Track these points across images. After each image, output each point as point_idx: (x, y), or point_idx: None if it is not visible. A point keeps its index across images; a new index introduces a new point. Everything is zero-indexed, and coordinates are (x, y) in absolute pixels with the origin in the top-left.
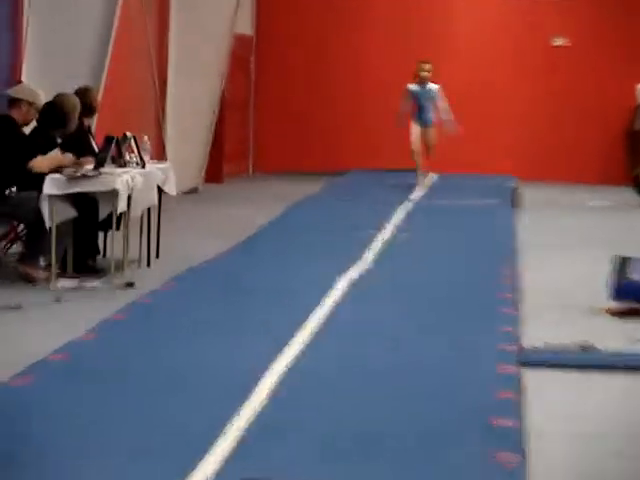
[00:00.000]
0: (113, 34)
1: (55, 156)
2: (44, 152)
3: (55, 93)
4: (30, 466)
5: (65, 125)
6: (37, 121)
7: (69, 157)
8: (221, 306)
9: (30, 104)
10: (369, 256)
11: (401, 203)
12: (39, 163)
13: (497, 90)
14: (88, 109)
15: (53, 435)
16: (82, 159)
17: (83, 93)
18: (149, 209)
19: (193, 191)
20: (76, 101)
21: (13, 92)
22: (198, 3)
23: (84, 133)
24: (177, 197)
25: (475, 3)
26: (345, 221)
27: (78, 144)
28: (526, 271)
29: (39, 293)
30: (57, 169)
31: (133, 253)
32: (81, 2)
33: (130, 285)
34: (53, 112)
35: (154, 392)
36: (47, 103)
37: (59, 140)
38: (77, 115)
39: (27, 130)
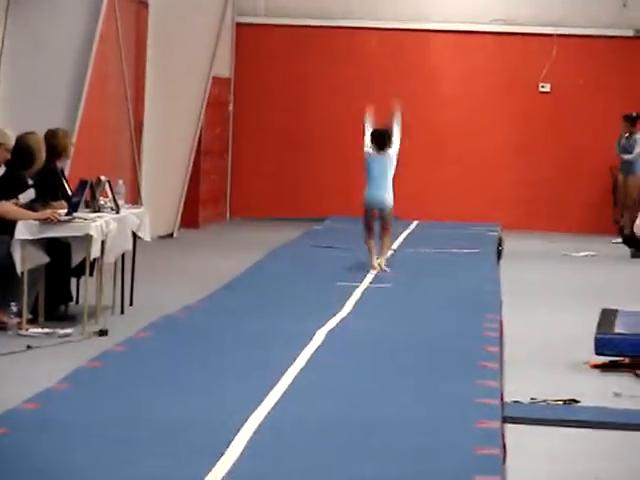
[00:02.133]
0: (88, 76)
1: (29, 213)
2: (15, 194)
3: None
4: None
5: (32, 164)
6: (6, 163)
7: (41, 214)
8: (196, 356)
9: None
10: (348, 307)
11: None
12: (9, 210)
13: (481, 137)
14: (57, 151)
15: None
16: (55, 203)
17: (51, 135)
18: (123, 255)
19: (168, 236)
20: (40, 139)
21: None
22: (176, 44)
23: (56, 175)
24: (152, 242)
25: (460, 52)
26: (323, 270)
27: (49, 187)
28: (509, 323)
29: (10, 340)
30: None
31: (106, 300)
32: (57, 43)
33: (104, 333)
34: (18, 151)
35: (128, 445)
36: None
37: (30, 182)
38: (43, 154)
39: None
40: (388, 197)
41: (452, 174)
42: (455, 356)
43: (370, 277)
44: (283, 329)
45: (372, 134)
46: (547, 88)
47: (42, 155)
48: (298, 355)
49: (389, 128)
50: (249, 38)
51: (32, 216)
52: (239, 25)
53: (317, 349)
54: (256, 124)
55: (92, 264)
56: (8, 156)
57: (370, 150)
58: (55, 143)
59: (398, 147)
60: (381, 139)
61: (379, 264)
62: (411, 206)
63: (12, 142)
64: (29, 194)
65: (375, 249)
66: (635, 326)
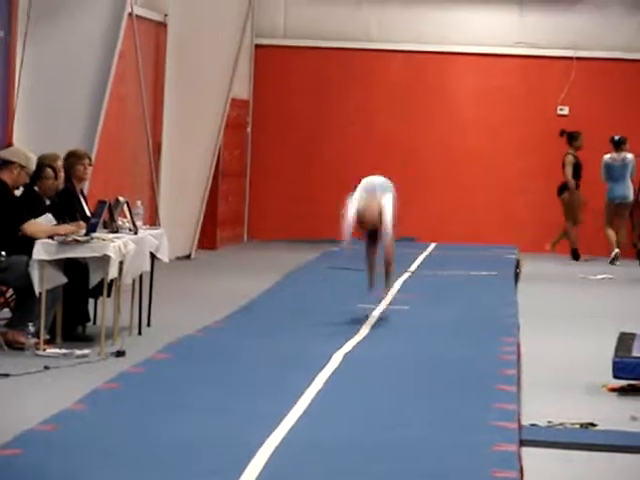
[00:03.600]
0: (107, 97)
1: (54, 227)
2: (34, 215)
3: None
4: None
5: (50, 185)
6: (25, 184)
7: (66, 228)
8: (213, 377)
9: (22, 167)
10: (365, 329)
11: (399, 274)
12: (33, 229)
13: (499, 159)
14: (75, 173)
15: None
16: (73, 223)
17: (69, 156)
18: (141, 276)
19: (186, 257)
20: (59, 160)
21: (6, 154)
22: (194, 66)
23: (74, 197)
24: (169, 263)
25: (480, 75)
26: (340, 292)
27: (67, 208)
28: (527, 345)
29: (27, 360)
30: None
31: (124, 321)
32: (75, 63)
33: (121, 354)
34: (37, 172)
35: (145, 466)
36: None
37: (47, 202)
38: (62, 175)
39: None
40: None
41: (470, 196)
42: (472, 379)
43: (388, 299)
44: (300, 351)
45: (360, 221)
46: (565, 111)
47: (61, 176)
48: (315, 377)
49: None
50: (268, 60)
51: (59, 230)
52: (258, 47)
53: (334, 371)
54: (274, 146)
55: (110, 285)
56: (27, 180)
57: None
58: (73, 164)
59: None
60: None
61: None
62: (429, 228)
63: (34, 166)
64: (47, 218)
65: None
66: None
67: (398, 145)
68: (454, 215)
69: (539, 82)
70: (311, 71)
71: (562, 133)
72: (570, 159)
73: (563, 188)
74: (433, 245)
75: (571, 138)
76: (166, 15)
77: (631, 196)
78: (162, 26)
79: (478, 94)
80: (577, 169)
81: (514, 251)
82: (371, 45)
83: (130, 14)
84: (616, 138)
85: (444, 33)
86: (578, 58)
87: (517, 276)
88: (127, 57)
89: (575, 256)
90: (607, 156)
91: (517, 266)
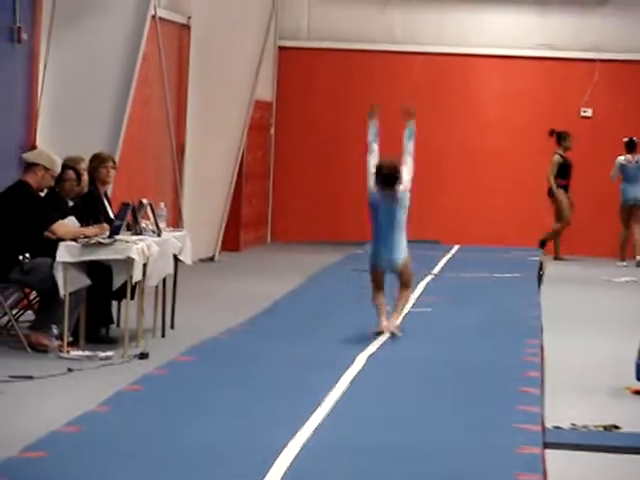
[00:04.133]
0: (130, 99)
1: (81, 229)
2: (57, 217)
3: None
4: None
5: (75, 188)
6: (49, 187)
7: (90, 230)
8: (237, 380)
9: (46, 170)
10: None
11: (422, 276)
12: (63, 230)
13: (522, 161)
14: (99, 176)
15: None
16: (96, 225)
17: (93, 159)
18: (164, 278)
19: (209, 260)
20: (83, 163)
21: (31, 156)
22: (218, 68)
23: (98, 200)
24: (193, 266)
25: (503, 77)
26: (364, 294)
27: (91, 211)
28: (550, 348)
29: (51, 363)
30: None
31: (147, 323)
32: (98, 66)
33: (144, 356)
34: (61, 175)
35: (168, 468)
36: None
37: (70, 203)
38: (86, 178)
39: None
40: (398, 255)
41: (493, 198)
42: (496, 381)
43: (411, 301)
44: (324, 353)
45: (378, 170)
46: (589, 113)
47: (84, 179)
48: (339, 379)
49: (397, 162)
50: (291, 62)
51: (86, 232)
52: (281, 48)
53: (358, 373)
54: (297, 148)
55: (133, 287)
56: (52, 183)
57: (375, 191)
58: (96, 167)
59: (410, 180)
60: (389, 178)
61: (392, 325)
62: (452, 230)
63: (59, 169)
64: (71, 221)
65: (387, 307)
66: None
67: (421, 147)
68: (477, 217)
69: (562, 84)
70: (334, 73)
71: (551, 133)
72: (557, 159)
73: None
74: (456, 247)
75: (560, 138)
76: (189, 17)
77: None
78: (185, 28)
79: (500, 96)
80: (566, 169)
81: (538, 253)
82: (394, 47)
83: (153, 16)
84: (628, 140)
85: (466, 35)
86: (601, 60)
87: (540, 278)
88: (150, 60)
89: (541, 245)
90: (621, 157)
91: (540, 268)
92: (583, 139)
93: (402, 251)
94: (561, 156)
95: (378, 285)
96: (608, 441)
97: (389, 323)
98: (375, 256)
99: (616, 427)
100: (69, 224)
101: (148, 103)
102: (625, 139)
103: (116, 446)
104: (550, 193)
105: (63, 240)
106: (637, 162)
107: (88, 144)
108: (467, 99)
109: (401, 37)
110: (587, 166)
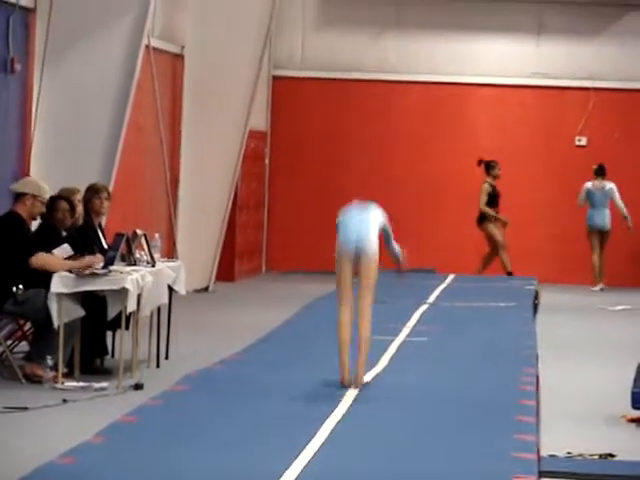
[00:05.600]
0: (124, 128)
1: (68, 262)
2: (50, 248)
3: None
4: None
5: (68, 219)
6: (42, 216)
7: (82, 261)
8: (232, 409)
9: (35, 197)
10: (384, 361)
11: (418, 305)
12: (43, 262)
13: (517, 190)
14: (93, 207)
15: None
16: (90, 257)
17: (88, 190)
18: (159, 308)
19: (204, 290)
20: (77, 194)
21: (19, 187)
22: (212, 97)
23: (92, 231)
24: (187, 296)
25: (498, 105)
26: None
27: (86, 242)
28: (546, 376)
29: (45, 393)
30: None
31: (142, 353)
32: (92, 95)
33: (139, 387)
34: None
35: None
36: (51, 197)
37: (64, 234)
38: (80, 209)
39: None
40: (368, 245)
41: None
42: (491, 410)
43: (407, 330)
44: (318, 383)
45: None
46: (583, 142)
47: (79, 210)
48: (334, 408)
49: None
50: (285, 91)
51: (72, 265)
52: (275, 78)
53: (353, 402)
54: (292, 178)
55: (128, 318)
56: (43, 209)
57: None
58: (90, 199)
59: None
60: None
61: (358, 382)
62: (447, 260)
63: (47, 195)
64: (64, 249)
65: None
66: None
67: (416, 176)
68: (472, 246)
69: (557, 113)
70: (329, 102)
71: (480, 162)
72: (486, 187)
73: (482, 218)
74: (452, 276)
75: (488, 167)
76: (183, 47)
77: (609, 224)
78: (179, 58)
79: (495, 125)
80: (494, 198)
81: (533, 282)
82: (388, 76)
83: (147, 46)
84: (597, 166)
85: (461, 64)
86: (595, 89)
87: (536, 307)
88: (144, 90)
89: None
90: (589, 183)
91: (536, 297)
92: (578, 168)
93: (373, 243)
94: (490, 185)
95: (344, 290)
96: (604, 470)
97: (355, 381)
98: (343, 243)
99: (612, 455)
100: (54, 255)
101: (142, 132)
102: (594, 166)
103: (111, 477)
104: (479, 221)
105: (49, 271)
106: (603, 188)
107: (82, 174)
108: (461, 128)
109: (395, 66)
110: None
